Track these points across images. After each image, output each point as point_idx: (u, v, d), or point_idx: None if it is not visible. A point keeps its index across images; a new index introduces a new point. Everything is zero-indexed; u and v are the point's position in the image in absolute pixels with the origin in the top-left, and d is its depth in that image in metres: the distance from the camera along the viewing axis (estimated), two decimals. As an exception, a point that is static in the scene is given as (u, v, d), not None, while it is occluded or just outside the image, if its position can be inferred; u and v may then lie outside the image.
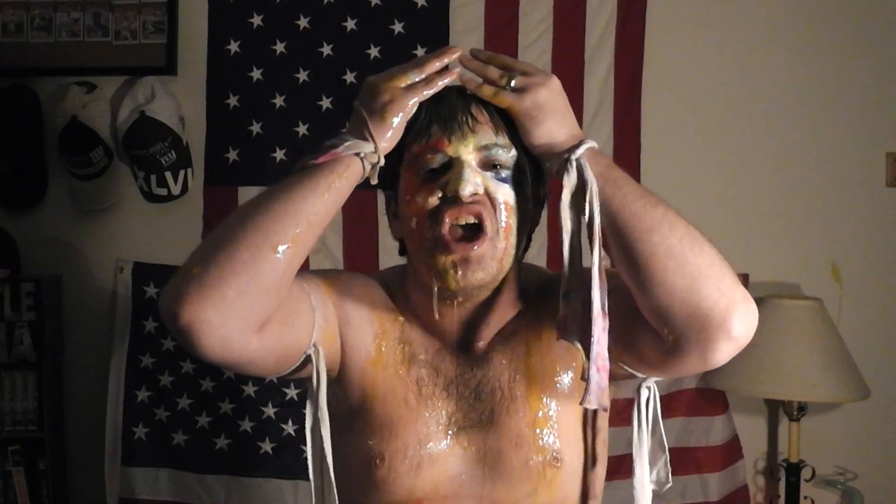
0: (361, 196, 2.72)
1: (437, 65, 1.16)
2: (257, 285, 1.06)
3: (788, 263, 2.77)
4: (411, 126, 1.18)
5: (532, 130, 1.15)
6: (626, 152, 2.76)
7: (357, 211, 2.75)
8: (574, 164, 1.12)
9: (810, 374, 2.45)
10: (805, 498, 2.63)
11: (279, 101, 2.78)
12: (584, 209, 1.11)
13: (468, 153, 1.17)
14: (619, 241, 1.11)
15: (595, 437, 1.27)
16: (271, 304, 1.09)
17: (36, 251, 2.80)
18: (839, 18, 2.75)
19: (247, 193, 2.78)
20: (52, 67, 2.78)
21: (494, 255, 1.17)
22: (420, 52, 2.75)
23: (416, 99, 1.15)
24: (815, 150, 2.76)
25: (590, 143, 1.14)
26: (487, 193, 1.17)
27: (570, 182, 1.12)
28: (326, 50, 2.78)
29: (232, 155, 2.79)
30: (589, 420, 1.26)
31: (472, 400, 1.23)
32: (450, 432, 1.22)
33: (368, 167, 1.14)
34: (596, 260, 1.11)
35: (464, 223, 1.16)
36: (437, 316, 1.21)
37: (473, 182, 1.15)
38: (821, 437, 2.72)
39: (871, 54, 2.75)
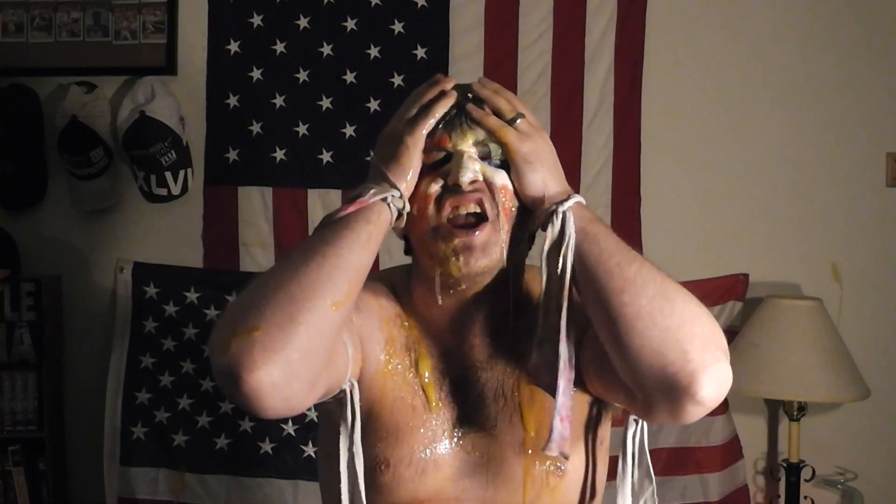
0: (361, 196, 2.74)
1: (431, 94, 1.20)
2: (319, 344, 1.07)
3: (788, 263, 2.77)
4: None
5: (527, 175, 1.18)
6: (626, 152, 2.76)
7: (357, 211, 2.76)
8: (560, 215, 1.14)
9: (810, 374, 2.45)
10: (805, 498, 2.63)
11: (279, 101, 2.78)
12: (557, 262, 1.13)
13: (468, 147, 1.20)
14: (591, 297, 1.12)
15: (597, 444, 1.27)
16: (328, 357, 1.11)
17: (36, 251, 2.80)
18: (839, 18, 2.75)
19: (247, 193, 2.78)
20: (52, 67, 2.78)
21: (497, 240, 1.18)
22: (420, 52, 2.75)
23: (421, 130, 1.18)
24: (815, 150, 2.76)
25: (578, 198, 1.17)
26: (486, 180, 1.19)
27: (551, 233, 1.14)
28: (326, 50, 2.78)
29: (232, 155, 2.79)
30: (591, 427, 1.26)
31: (477, 404, 1.23)
32: (455, 437, 1.22)
33: (395, 211, 1.17)
34: (564, 313, 1.13)
35: (465, 213, 1.18)
36: (439, 301, 1.21)
37: (473, 169, 1.17)
38: (821, 437, 2.73)
39: (871, 54, 2.75)
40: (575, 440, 1.23)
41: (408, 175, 1.17)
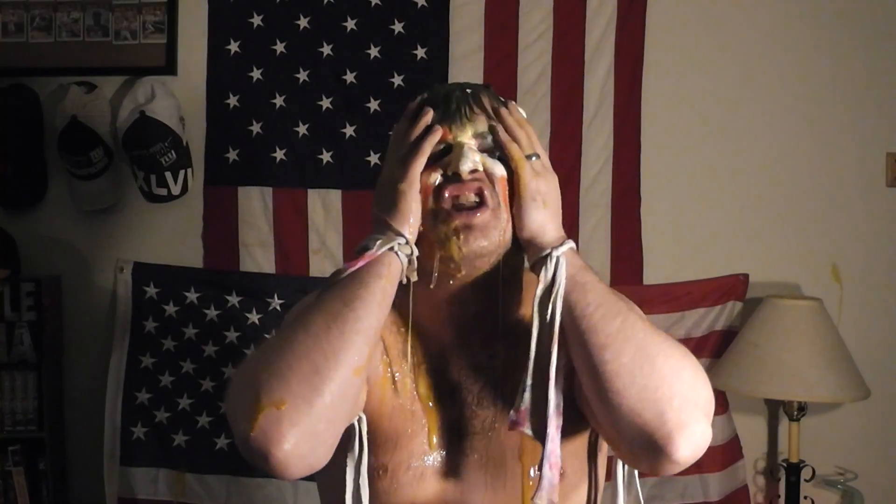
0: (361, 196, 2.74)
1: (416, 132, 1.20)
2: (342, 410, 1.09)
3: (788, 263, 2.77)
4: (419, 123, 1.23)
5: (530, 213, 1.18)
6: (626, 152, 2.76)
7: (357, 211, 2.76)
8: (553, 260, 1.15)
9: (810, 374, 2.45)
10: (805, 498, 2.63)
11: (279, 101, 2.78)
12: (548, 309, 1.14)
13: (467, 138, 1.21)
14: (575, 349, 1.13)
15: (597, 449, 1.27)
16: (349, 418, 1.13)
17: (36, 251, 2.80)
18: (839, 18, 2.75)
19: (247, 193, 2.78)
20: (52, 67, 2.78)
21: (496, 225, 1.18)
22: (420, 52, 2.75)
23: (414, 172, 1.18)
24: (815, 150, 2.76)
25: (570, 244, 1.18)
26: (486, 171, 1.20)
27: (545, 278, 1.15)
28: (326, 50, 2.78)
29: (232, 155, 2.79)
30: (593, 437, 1.26)
31: (476, 407, 1.23)
32: (454, 439, 1.22)
33: (405, 259, 1.17)
34: (553, 360, 1.13)
35: (465, 202, 1.18)
36: (431, 285, 1.20)
37: (472, 160, 1.19)
38: (821, 437, 2.73)
39: (871, 54, 2.75)
40: (574, 445, 1.23)
41: (409, 220, 1.17)
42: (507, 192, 1.19)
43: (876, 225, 2.76)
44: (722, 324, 2.72)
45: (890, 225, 2.76)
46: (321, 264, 2.77)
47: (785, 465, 2.62)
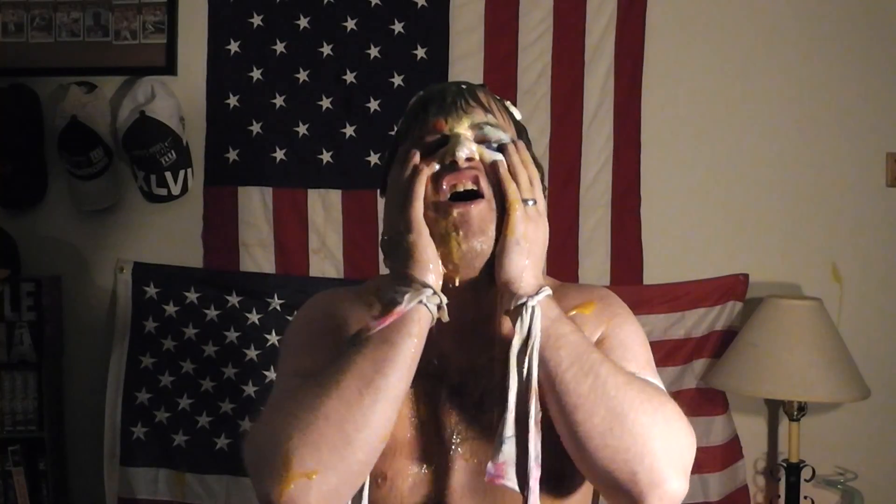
0: (361, 196, 2.74)
1: (406, 174, 1.19)
2: (367, 471, 1.13)
3: (788, 263, 2.77)
4: (415, 118, 1.24)
5: (511, 256, 1.16)
6: (626, 152, 2.76)
7: (357, 211, 2.76)
8: (529, 311, 1.14)
9: (810, 374, 2.45)
10: (805, 498, 2.63)
11: (279, 101, 2.78)
12: (525, 364, 1.14)
13: (464, 129, 1.22)
14: (550, 405, 1.14)
15: None
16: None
17: (36, 251, 2.80)
18: (839, 18, 2.75)
19: (247, 193, 2.78)
20: (52, 67, 2.79)
21: (491, 218, 1.18)
22: (420, 52, 2.75)
23: (416, 216, 1.16)
24: (815, 150, 2.76)
25: (547, 291, 1.16)
26: (482, 160, 1.20)
27: (521, 330, 1.14)
28: (326, 50, 2.78)
29: (232, 155, 2.79)
30: None
31: (475, 411, 1.22)
32: (453, 444, 1.22)
33: (435, 308, 1.15)
34: (532, 412, 1.13)
35: (462, 189, 1.18)
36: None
37: (468, 147, 1.19)
38: (821, 437, 2.72)
39: (870, 54, 2.75)
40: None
41: (430, 266, 1.16)
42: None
43: (876, 225, 2.76)
44: (722, 324, 2.72)
45: (890, 225, 2.76)
46: (321, 264, 2.77)
47: (785, 465, 2.62)
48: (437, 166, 1.19)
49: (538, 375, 1.13)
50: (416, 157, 1.20)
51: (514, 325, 1.14)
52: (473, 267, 1.18)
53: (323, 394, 1.10)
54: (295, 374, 1.19)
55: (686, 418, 1.14)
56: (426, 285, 1.15)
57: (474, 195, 1.18)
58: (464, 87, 1.26)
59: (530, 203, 1.18)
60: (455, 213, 1.16)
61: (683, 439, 1.12)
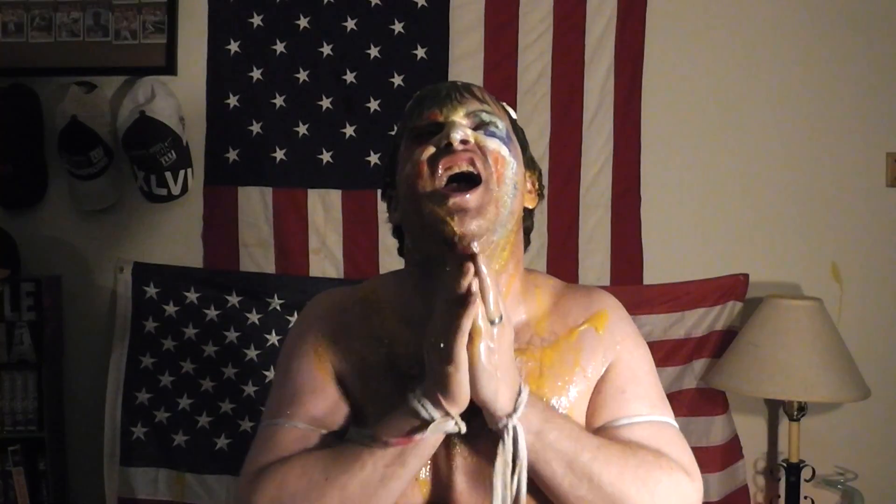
0: (361, 196, 2.74)
1: (455, 294, 1.11)
2: None
3: (788, 263, 2.77)
4: (410, 115, 1.26)
5: (483, 382, 1.12)
6: (626, 152, 2.76)
7: (357, 211, 2.76)
8: (510, 431, 1.14)
9: (810, 374, 2.45)
10: (805, 498, 2.63)
11: (279, 100, 2.78)
12: (511, 482, 1.15)
13: (459, 117, 1.23)
14: (550, 498, 1.18)
15: None
16: None
17: (36, 251, 2.81)
18: (839, 19, 2.75)
19: (247, 193, 2.78)
20: (52, 67, 2.79)
21: (491, 199, 1.18)
22: (420, 52, 2.75)
23: (458, 350, 1.10)
24: (815, 151, 2.76)
25: (525, 395, 1.15)
26: (478, 145, 1.21)
27: (504, 451, 1.14)
28: (326, 50, 2.78)
29: (232, 155, 2.79)
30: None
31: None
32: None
33: (454, 431, 1.15)
34: None
35: (458, 171, 1.18)
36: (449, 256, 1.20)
37: (464, 131, 1.20)
38: (821, 437, 2.73)
39: (871, 55, 2.75)
40: None
41: (460, 401, 1.13)
42: (500, 167, 1.20)
43: (876, 225, 2.76)
44: (722, 324, 2.72)
45: (890, 225, 2.76)
46: (321, 264, 2.77)
47: (785, 465, 2.62)
48: (433, 149, 1.20)
49: (534, 478, 1.16)
50: (471, 273, 1.10)
51: (496, 444, 1.14)
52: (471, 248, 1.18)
53: (327, 485, 1.15)
54: (290, 417, 1.23)
55: (687, 477, 1.21)
56: (451, 416, 1.14)
57: (470, 178, 1.18)
58: (458, 83, 1.28)
59: (497, 321, 1.12)
60: (451, 202, 1.16)
61: None
